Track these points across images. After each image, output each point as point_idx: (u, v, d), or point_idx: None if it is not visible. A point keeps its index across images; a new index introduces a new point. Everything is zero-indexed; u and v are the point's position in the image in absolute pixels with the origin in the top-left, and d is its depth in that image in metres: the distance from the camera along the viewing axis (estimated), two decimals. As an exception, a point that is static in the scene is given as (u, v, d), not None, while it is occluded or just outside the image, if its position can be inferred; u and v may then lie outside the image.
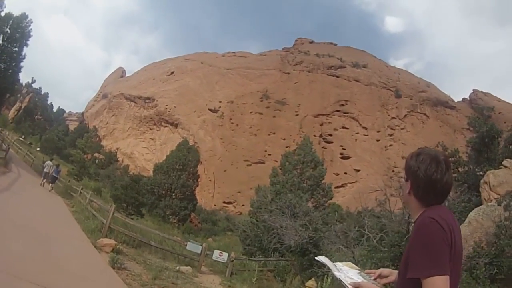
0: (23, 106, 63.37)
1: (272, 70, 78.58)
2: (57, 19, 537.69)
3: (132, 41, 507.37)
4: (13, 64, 33.62)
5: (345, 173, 61.47)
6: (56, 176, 22.17)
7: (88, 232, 11.08)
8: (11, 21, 33.03)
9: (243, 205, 52.91)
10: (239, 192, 57.39)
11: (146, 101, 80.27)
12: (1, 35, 32.59)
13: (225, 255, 12.68)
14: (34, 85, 73.39)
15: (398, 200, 15.63)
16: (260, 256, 16.68)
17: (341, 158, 64.06)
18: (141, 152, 74.94)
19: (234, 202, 57.57)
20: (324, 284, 9.36)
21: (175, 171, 33.92)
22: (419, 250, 1.55)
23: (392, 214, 14.03)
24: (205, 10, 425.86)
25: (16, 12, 34.14)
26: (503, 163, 12.63)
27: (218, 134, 67.07)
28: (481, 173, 14.86)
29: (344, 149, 65.26)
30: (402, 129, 69.64)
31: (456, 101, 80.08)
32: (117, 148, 71.29)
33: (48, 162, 23.85)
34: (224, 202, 57.83)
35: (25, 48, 34.60)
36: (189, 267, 11.07)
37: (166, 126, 75.30)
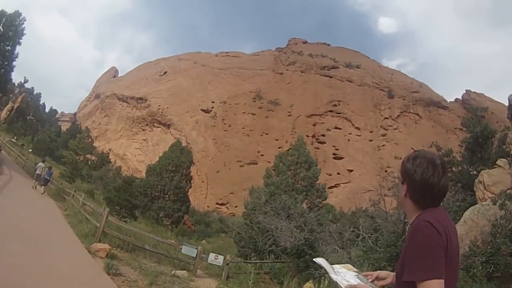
0: (15, 107, 62.40)
1: (265, 70, 78.61)
2: (50, 17, 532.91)
3: (126, 40, 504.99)
4: (6, 63, 32.98)
5: (338, 174, 61.67)
6: (48, 178, 21.83)
7: (82, 236, 10.88)
8: (4, 19, 32.27)
9: (236, 206, 52.80)
10: (232, 193, 57.26)
11: (139, 101, 79.79)
12: (-6, 33, 32.04)
13: (220, 258, 12.56)
14: (27, 85, 72.47)
15: (392, 200, 15.69)
16: (255, 258, 16.59)
17: (334, 158, 64.27)
18: (134, 153, 74.45)
19: (227, 203, 57.42)
20: (321, 286, 9.27)
21: (168, 172, 33.68)
22: (415, 253, 1.56)
23: (387, 214, 14.04)
24: (199, 9, 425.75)
25: (9, 10, 33.57)
26: (497, 162, 12.70)
27: (210, 135, 66.89)
28: (474, 172, 14.96)
29: (337, 149, 65.48)
30: (395, 129, 70.09)
31: (448, 101, 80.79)
32: (110, 149, 70.71)
33: (40, 164, 23.49)
34: (217, 203, 57.65)
35: (18, 47, 34.07)
36: (184, 271, 10.94)
37: (158, 127, 74.92)
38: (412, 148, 64.34)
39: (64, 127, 78.00)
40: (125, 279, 7.92)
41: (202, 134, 67.44)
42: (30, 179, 23.73)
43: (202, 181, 59.90)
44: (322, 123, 68.57)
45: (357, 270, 2.03)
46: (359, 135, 67.76)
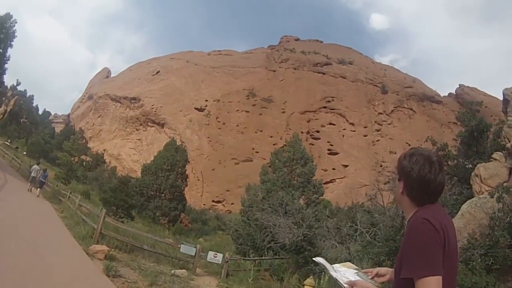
0: (8, 110, 61.65)
1: (258, 68, 78.43)
2: (42, 19, 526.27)
3: (118, 41, 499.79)
4: (-2, 66, 32.74)
5: (333, 169, 61.85)
6: (43, 180, 21.68)
7: (79, 238, 10.78)
8: (-5, 22, 32.07)
9: (232, 204, 52.81)
10: (227, 190, 57.24)
11: (132, 101, 79.31)
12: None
13: (219, 256, 12.54)
14: (19, 88, 71.67)
15: (389, 195, 15.75)
16: (253, 255, 16.59)
17: (329, 154, 64.42)
18: (128, 153, 74.06)
19: (223, 201, 57.39)
20: (322, 281, 9.28)
21: (164, 171, 33.56)
22: (412, 251, 1.58)
23: (385, 209, 14.09)
24: (190, 8, 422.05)
25: (0, 12, 33.19)
26: (493, 156, 12.78)
27: (205, 133, 66.71)
28: (470, 166, 15.05)
29: (332, 145, 65.63)
30: (389, 124, 70.35)
31: (442, 96, 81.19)
32: (104, 150, 70.19)
33: (35, 166, 23.30)
34: (213, 201, 57.61)
35: (9, 49, 33.70)
36: (184, 270, 10.90)
37: (152, 126, 74.57)
38: (406, 143, 64.83)
39: (58, 128, 77.30)
40: (125, 281, 7.85)
41: (196, 132, 67.24)
42: (25, 182, 23.53)
43: (198, 179, 59.80)
44: (316, 119, 68.65)
45: (357, 267, 2.04)
46: (354, 131, 67.94)
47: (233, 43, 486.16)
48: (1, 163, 28.34)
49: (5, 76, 35.99)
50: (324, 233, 15.86)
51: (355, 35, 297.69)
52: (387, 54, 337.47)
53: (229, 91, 71.91)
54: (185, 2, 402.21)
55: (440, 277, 1.52)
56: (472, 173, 12.98)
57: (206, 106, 70.97)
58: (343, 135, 67.48)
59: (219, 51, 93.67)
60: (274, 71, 76.47)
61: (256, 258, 15.11)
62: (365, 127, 68.75)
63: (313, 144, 63.95)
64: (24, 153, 45.76)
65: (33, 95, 79.62)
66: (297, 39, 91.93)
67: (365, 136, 67.69)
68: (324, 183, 30.63)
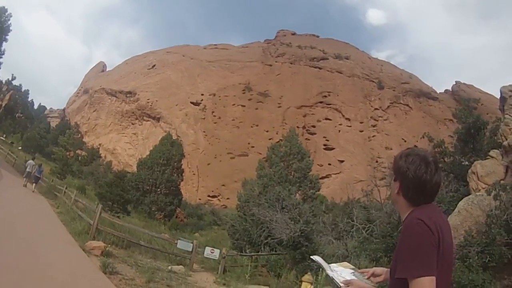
0: (3, 104, 61.23)
1: (254, 62, 78.17)
2: (37, 14, 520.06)
3: (113, 35, 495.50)
4: (-8, 60, 32.35)
5: (329, 164, 61.98)
6: (39, 176, 21.52)
7: (75, 234, 10.68)
8: (-11, 16, 31.66)
9: (228, 198, 52.87)
10: (223, 185, 57.23)
11: (128, 95, 78.84)
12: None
13: (216, 251, 12.50)
14: (14, 82, 71.25)
15: (386, 191, 15.78)
16: (250, 250, 16.58)
17: (325, 149, 64.50)
18: (124, 148, 73.75)
19: (218, 196, 57.40)
20: (320, 278, 9.29)
21: (159, 166, 33.45)
22: (407, 251, 1.61)
23: (382, 205, 14.12)
24: (187, 2, 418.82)
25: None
26: (490, 153, 12.79)
27: (200, 127, 66.52)
28: (467, 163, 15.08)
29: (328, 140, 65.70)
30: (385, 120, 70.52)
31: (438, 92, 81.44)
32: (100, 144, 69.93)
33: (30, 161, 23.10)
34: (208, 196, 57.57)
35: (4, 44, 33.33)
36: (181, 266, 10.87)
37: (148, 121, 74.23)
38: (402, 139, 65.15)
39: (53, 123, 76.89)
40: (122, 278, 7.79)
41: (192, 126, 67.02)
42: (20, 177, 23.34)
43: (193, 174, 59.69)
44: (312, 114, 68.62)
45: (353, 267, 2.07)
46: (350, 126, 68.05)
47: (230, 37, 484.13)
48: (-4, 158, 28.10)
49: (0, 71, 35.66)
50: (321, 229, 15.88)
51: (352, 30, 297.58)
52: (383, 50, 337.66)
53: (225, 85, 71.65)
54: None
55: (433, 277, 1.55)
56: (469, 171, 12.99)
57: (202, 100, 70.69)
58: (339, 130, 67.57)
59: (215, 45, 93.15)
60: (271, 65, 76.26)
61: (253, 254, 15.10)
62: (361, 123, 68.88)
63: (309, 139, 63.97)
64: (19, 148, 45.61)
65: (28, 90, 79.41)
66: (294, 34, 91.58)
67: (361, 131, 67.83)
68: (320, 178, 30.69)
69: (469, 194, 12.49)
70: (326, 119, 68.48)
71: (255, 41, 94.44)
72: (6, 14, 32.58)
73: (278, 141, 33.48)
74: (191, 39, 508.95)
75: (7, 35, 33.07)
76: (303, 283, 8.90)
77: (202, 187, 58.82)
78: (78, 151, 45.39)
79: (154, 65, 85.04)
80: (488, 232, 9.92)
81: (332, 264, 2.07)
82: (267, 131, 63.96)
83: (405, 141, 64.62)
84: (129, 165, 61.11)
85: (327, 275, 1.98)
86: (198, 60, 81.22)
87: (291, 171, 23.68)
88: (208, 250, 12.63)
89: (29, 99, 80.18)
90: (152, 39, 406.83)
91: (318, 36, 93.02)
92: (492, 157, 12.66)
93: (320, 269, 10.18)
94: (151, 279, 8.18)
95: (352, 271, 2.01)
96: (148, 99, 74.43)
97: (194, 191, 57.77)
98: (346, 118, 68.85)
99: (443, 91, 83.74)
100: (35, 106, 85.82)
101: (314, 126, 67.12)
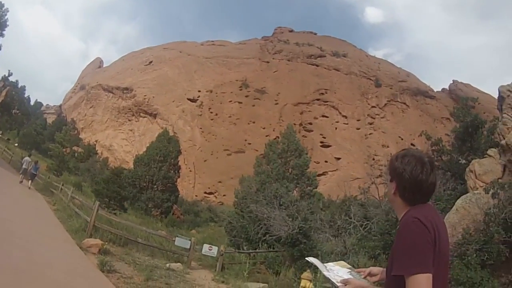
0: (0, 101, 60.84)
1: (252, 59, 77.91)
2: (34, 10, 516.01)
3: (110, 31, 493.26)
4: (-11, 55, 32.07)
5: (326, 162, 61.99)
6: (35, 172, 21.38)
7: (72, 232, 10.60)
8: (-15, 10, 31.28)
9: (224, 195, 52.81)
10: (220, 182, 57.12)
11: (124, 91, 78.35)
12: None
13: (214, 249, 12.46)
14: (11, 78, 70.72)
15: (382, 188, 15.79)
16: (247, 247, 16.54)
17: (322, 146, 64.49)
18: (120, 144, 73.38)
19: (215, 192, 57.29)
20: (319, 275, 9.29)
21: (156, 162, 33.28)
22: (403, 249, 1.63)
23: (380, 203, 14.13)
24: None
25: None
26: (487, 152, 12.84)
27: (197, 124, 66.29)
28: (464, 161, 15.13)
29: (324, 137, 65.68)
30: (382, 118, 70.53)
31: (435, 91, 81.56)
32: (96, 141, 69.56)
33: (27, 158, 22.96)
34: (205, 193, 57.43)
35: (1, 39, 33.03)
36: (179, 264, 10.82)
37: (144, 117, 73.88)
38: (399, 137, 65.30)
39: (50, 119, 76.44)
40: (120, 276, 7.73)
41: (189, 123, 66.78)
42: (17, 174, 23.22)
43: (190, 171, 59.53)
44: (309, 111, 68.53)
45: (350, 266, 2.08)
46: (346, 123, 68.05)
47: (227, 34, 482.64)
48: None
49: (-4, 67, 35.37)
50: (319, 226, 15.88)
51: (350, 28, 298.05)
52: (381, 48, 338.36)
53: (222, 82, 71.41)
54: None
55: (430, 275, 1.56)
56: (467, 169, 13.03)
57: (199, 96, 70.42)
58: (336, 128, 67.57)
59: (213, 41, 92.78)
60: (268, 62, 76.07)
61: (251, 251, 15.07)
62: (358, 120, 68.90)
63: (305, 136, 63.93)
64: (16, 144, 45.40)
65: (25, 86, 79.27)
66: (291, 31, 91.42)
67: (358, 129, 67.86)
68: (316, 176, 30.73)
69: (467, 192, 12.53)
70: (323, 116, 68.43)
71: (252, 38, 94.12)
72: (3, 9, 32.24)
73: (275, 138, 33.46)
74: (188, 35, 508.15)
75: (4, 30, 32.76)
76: (303, 280, 8.90)
77: (198, 183, 58.68)
78: (75, 148, 45.09)
79: (151, 61, 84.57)
80: (486, 230, 9.96)
81: (329, 264, 2.07)
82: (264, 128, 63.85)
83: (402, 139, 64.79)
84: (126, 162, 60.87)
85: (323, 276, 2.00)
86: (195, 56, 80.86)
87: (289, 168, 23.69)
88: (206, 247, 12.59)
89: (26, 96, 79.96)
90: (149, 35, 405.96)
91: (315, 34, 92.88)
92: (490, 155, 12.69)
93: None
94: (150, 277, 8.13)
95: (349, 270, 2.01)
96: (144, 96, 74.05)
97: (191, 188, 57.63)
98: (343, 116, 68.85)
99: (440, 90, 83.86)
100: (32, 103, 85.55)
101: (311, 123, 67.06)
